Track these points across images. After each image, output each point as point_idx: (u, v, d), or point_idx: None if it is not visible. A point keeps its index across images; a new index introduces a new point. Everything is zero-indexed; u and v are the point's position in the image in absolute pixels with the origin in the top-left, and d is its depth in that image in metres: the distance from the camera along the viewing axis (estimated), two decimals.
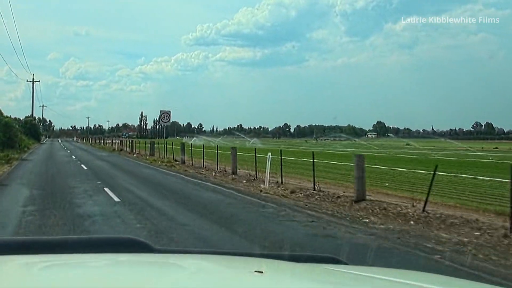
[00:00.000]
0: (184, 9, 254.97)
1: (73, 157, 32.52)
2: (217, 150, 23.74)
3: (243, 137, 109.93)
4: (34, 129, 72.70)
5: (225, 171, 19.78)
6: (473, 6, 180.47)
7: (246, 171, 17.83)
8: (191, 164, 24.59)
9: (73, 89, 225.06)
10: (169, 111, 28.22)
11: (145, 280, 1.31)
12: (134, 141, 43.45)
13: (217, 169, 20.53)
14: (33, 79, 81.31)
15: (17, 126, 39.06)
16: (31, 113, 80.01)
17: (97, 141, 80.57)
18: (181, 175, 19.02)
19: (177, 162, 26.48)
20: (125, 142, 52.74)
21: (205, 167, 22.14)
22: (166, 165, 24.72)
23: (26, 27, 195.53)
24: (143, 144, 39.77)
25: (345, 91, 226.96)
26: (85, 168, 21.87)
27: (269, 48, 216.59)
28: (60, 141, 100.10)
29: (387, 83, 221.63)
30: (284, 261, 1.70)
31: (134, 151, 40.10)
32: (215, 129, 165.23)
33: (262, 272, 1.35)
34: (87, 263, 1.51)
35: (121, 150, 46.53)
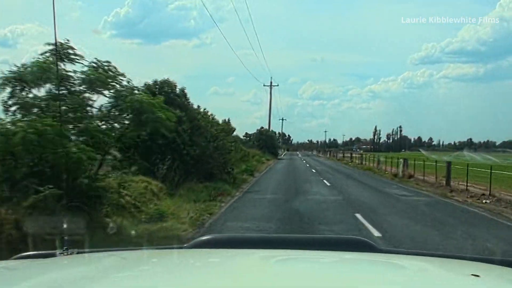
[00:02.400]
0: (410, 31, 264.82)
1: (373, 229, 11.63)
2: None
3: None
4: (271, 141, 58.79)
5: None
6: None
7: None
8: None
9: (309, 108, 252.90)
10: None
11: (367, 276, 1.38)
12: (450, 167, 22.48)
13: None
14: (271, 83, 67.76)
15: (215, 131, 19.00)
16: (268, 125, 67.31)
17: (345, 155, 62.74)
18: None
19: None
20: (378, 159, 32.64)
21: None
22: None
23: (273, 57, 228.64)
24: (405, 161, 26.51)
25: None
26: None
27: (491, 63, 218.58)
28: (300, 155, 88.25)
29: None
30: (498, 265, 1.62)
31: (466, 189, 18.91)
32: (441, 143, 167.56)
33: (478, 276, 1.31)
34: (316, 259, 1.68)
35: (410, 176, 26.23)
